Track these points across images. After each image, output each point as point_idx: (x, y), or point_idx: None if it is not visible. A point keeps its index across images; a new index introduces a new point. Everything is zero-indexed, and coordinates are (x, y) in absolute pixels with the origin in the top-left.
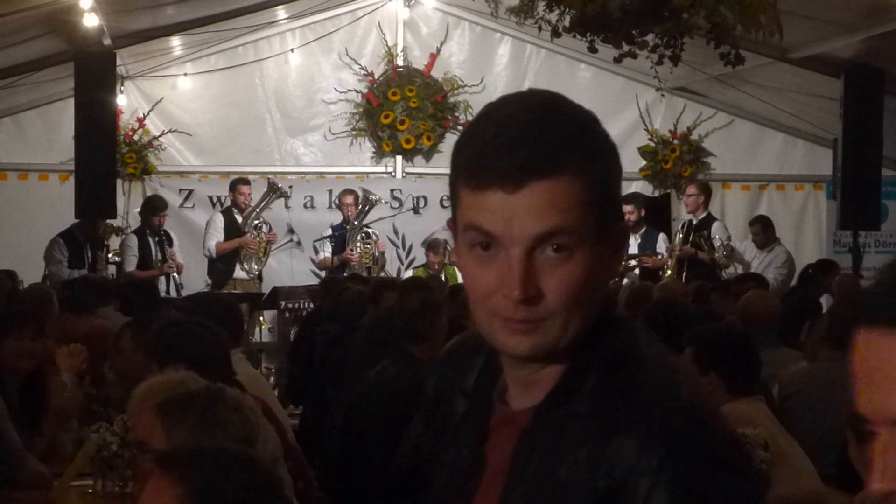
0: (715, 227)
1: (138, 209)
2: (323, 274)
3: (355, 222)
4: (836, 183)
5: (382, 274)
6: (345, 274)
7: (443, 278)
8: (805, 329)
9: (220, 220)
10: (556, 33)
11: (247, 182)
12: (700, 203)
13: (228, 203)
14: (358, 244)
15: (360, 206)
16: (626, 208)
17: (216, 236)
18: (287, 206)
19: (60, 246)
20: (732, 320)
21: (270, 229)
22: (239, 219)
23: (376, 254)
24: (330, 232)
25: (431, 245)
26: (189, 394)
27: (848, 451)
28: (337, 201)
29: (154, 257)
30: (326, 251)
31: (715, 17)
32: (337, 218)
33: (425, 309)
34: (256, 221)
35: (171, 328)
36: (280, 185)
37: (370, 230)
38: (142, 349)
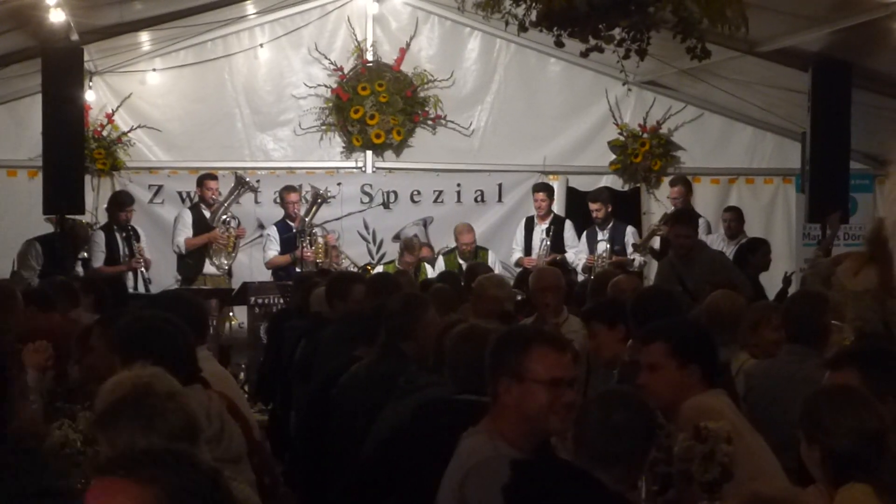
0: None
1: (107, 205)
2: (269, 273)
3: (306, 220)
4: (805, 176)
5: (342, 266)
6: (297, 270)
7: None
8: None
9: (188, 216)
10: (522, 28)
11: (214, 177)
12: (687, 200)
13: (196, 199)
14: (319, 239)
15: (310, 204)
16: (594, 206)
17: (185, 232)
18: (257, 202)
19: (37, 253)
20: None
21: (239, 224)
22: (207, 214)
23: (329, 247)
24: (275, 231)
25: (407, 246)
26: (119, 398)
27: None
28: (279, 198)
29: (121, 253)
30: (273, 248)
31: (681, 12)
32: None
33: (408, 307)
34: (225, 216)
35: (135, 324)
36: (248, 179)
37: (316, 230)
38: (107, 345)
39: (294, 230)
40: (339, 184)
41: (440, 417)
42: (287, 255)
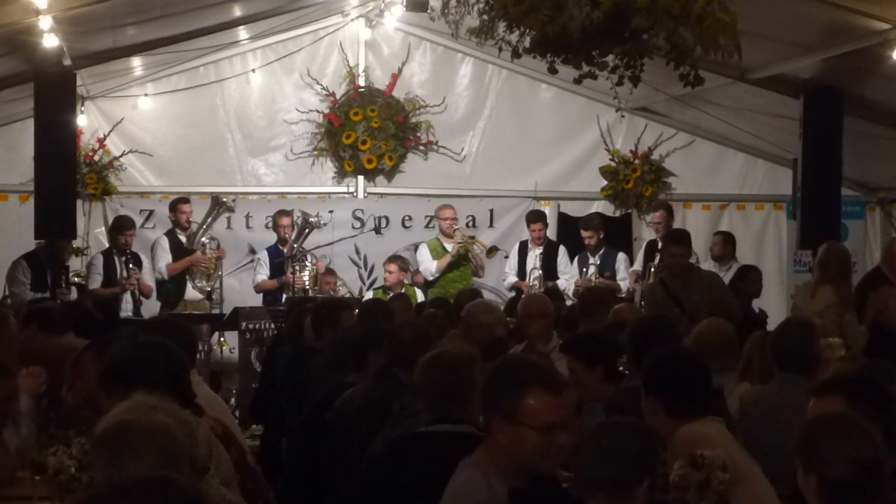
0: None
1: (99, 229)
2: (260, 297)
3: (295, 245)
4: (797, 202)
5: (339, 293)
6: (284, 296)
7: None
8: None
9: (166, 242)
10: (516, 54)
11: (186, 201)
12: (669, 226)
13: (170, 224)
14: (307, 267)
15: (299, 229)
16: (586, 233)
17: (165, 257)
18: (248, 227)
19: (24, 268)
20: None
21: (219, 245)
22: (182, 238)
23: (318, 275)
24: (266, 255)
25: (393, 258)
26: (98, 437)
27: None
28: (272, 223)
29: (119, 276)
30: (262, 272)
31: (675, 39)
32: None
33: (419, 340)
34: (204, 239)
35: (129, 350)
36: (224, 199)
37: (307, 256)
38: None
39: (284, 255)
40: (330, 211)
41: (414, 453)
42: (275, 279)
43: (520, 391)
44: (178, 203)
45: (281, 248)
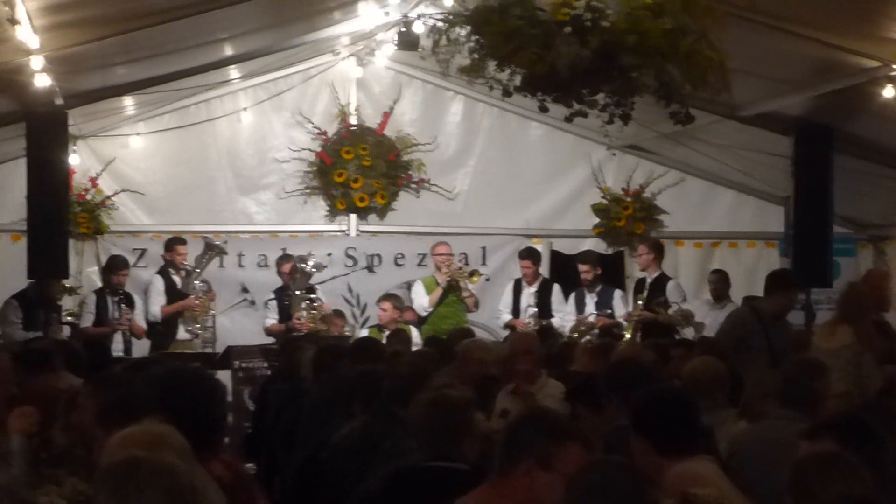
0: (670, 287)
1: (91, 268)
2: (253, 337)
3: (297, 292)
4: (788, 240)
5: (325, 331)
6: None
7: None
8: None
9: (160, 283)
10: (506, 93)
11: (183, 242)
12: (651, 261)
13: (163, 263)
14: (303, 311)
15: (299, 276)
16: (583, 267)
17: (159, 300)
18: (241, 265)
19: (15, 308)
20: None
21: (210, 288)
22: (177, 279)
23: (321, 317)
24: (274, 296)
25: (386, 296)
26: (105, 470)
27: None
28: (277, 268)
29: (110, 316)
30: (273, 316)
31: (663, 77)
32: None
33: (414, 377)
34: (197, 282)
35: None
36: (216, 242)
37: (313, 296)
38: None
39: (289, 298)
40: (329, 254)
41: (412, 486)
42: (283, 323)
43: (558, 440)
44: (174, 244)
45: (286, 292)
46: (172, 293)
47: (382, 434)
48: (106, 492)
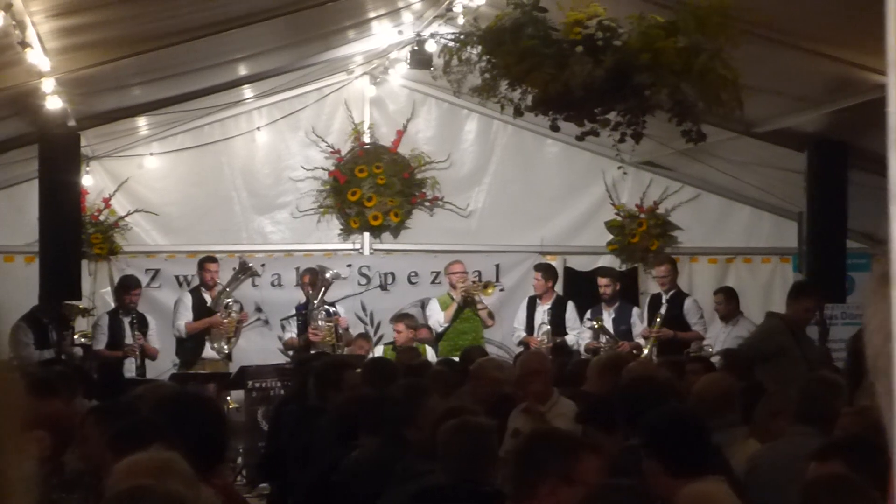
0: (688, 305)
1: (104, 289)
2: (290, 354)
3: (314, 302)
4: (803, 255)
5: (348, 350)
6: (311, 352)
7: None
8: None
9: (188, 300)
10: (518, 112)
11: (214, 260)
12: (673, 279)
13: (196, 282)
14: (320, 322)
15: (318, 285)
16: (603, 281)
17: (186, 316)
18: (254, 285)
19: (24, 330)
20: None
21: (242, 309)
22: (207, 297)
23: (339, 331)
24: (295, 312)
25: (400, 317)
26: (111, 498)
27: None
28: (299, 281)
29: (124, 337)
30: (293, 331)
31: (677, 95)
32: (304, 296)
33: (410, 394)
34: (228, 301)
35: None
36: (251, 265)
37: (331, 308)
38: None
39: (308, 311)
40: (348, 265)
41: None
42: (298, 337)
43: (574, 452)
44: (205, 262)
45: (309, 305)
46: (200, 310)
47: (392, 457)
48: None
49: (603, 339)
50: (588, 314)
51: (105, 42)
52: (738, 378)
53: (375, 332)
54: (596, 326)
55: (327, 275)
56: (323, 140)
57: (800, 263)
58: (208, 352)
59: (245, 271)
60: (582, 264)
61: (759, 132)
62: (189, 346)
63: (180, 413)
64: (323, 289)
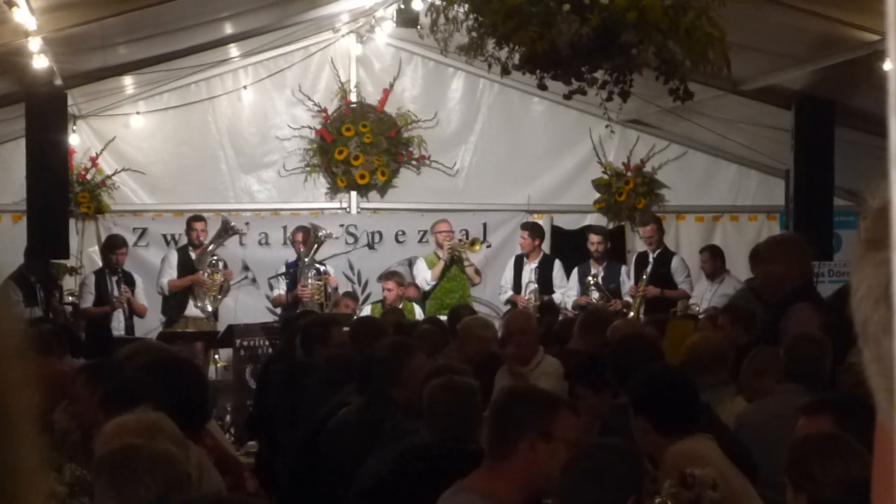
0: (675, 263)
1: (92, 248)
2: (278, 311)
3: (306, 259)
4: (790, 213)
5: (335, 310)
6: (298, 311)
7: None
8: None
9: (173, 258)
10: (505, 71)
11: (201, 219)
12: (660, 239)
13: (185, 241)
14: (310, 280)
15: (310, 243)
16: (595, 238)
17: (169, 273)
18: (241, 244)
19: (13, 288)
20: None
21: (226, 266)
22: (193, 256)
23: (329, 290)
24: (284, 269)
25: (389, 274)
26: (102, 459)
27: None
28: (290, 238)
29: (110, 295)
30: (281, 288)
31: (664, 53)
32: (292, 255)
33: (395, 353)
34: (212, 259)
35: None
36: (234, 223)
37: (321, 267)
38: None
39: (299, 268)
40: (340, 225)
41: (423, 464)
42: (289, 293)
43: (555, 408)
44: (192, 221)
45: (298, 263)
46: (185, 268)
47: (380, 416)
48: (104, 480)
49: (595, 295)
50: (575, 272)
51: (91, 1)
52: (745, 332)
53: (363, 292)
54: (592, 283)
55: (320, 234)
56: (309, 99)
57: (787, 221)
58: (192, 310)
59: (227, 230)
60: (569, 223)
61: (746, 90)
62: (173, 303)
63: (162, 375)
64: (315, 246)
